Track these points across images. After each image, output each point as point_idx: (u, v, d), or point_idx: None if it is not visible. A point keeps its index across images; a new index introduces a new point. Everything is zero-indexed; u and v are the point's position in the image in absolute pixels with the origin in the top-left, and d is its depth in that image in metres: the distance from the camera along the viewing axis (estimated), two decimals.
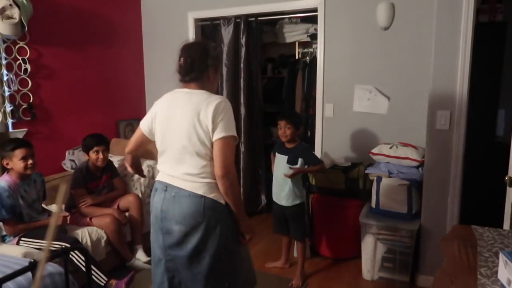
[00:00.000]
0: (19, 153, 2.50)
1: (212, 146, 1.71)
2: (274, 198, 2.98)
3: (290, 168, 2.81)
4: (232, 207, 1.76)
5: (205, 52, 1.81)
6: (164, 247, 1.82)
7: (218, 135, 1.68)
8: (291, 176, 2.79)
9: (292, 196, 2.86)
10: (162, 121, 1.83)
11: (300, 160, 2.83)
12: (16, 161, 2.50)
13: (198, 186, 1.72)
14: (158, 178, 1.87)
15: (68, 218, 2.71)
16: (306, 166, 2.86)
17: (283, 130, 2.81)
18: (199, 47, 1.85)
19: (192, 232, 1.73)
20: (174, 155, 1.78)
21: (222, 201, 1.75)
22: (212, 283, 1.78)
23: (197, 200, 1.72)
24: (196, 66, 1.78)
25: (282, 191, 2.87)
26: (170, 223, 1.77)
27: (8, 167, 2.54)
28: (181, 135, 1.73)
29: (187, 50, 1.82)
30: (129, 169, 2.10)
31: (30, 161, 2.53)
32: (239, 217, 1.81)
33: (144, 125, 1.93)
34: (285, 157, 2.85)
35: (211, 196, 1.73)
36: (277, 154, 2.94)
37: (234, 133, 1.72)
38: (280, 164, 2.88)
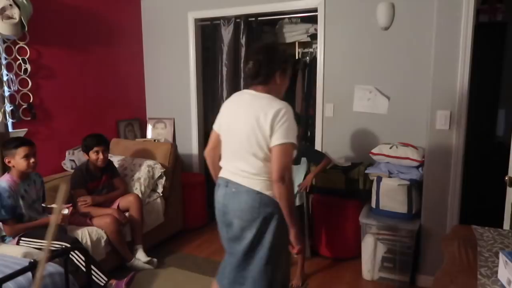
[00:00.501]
0: (22, 151, 2.51)
1: (269, 150, 1.77)
2: None
3: (300, 187, 2.83)
4: (283, 211, 1.79)
5: (273, 56, 1.86)
6: (228, 239, 1.93)
7: (276, 141, 1.74)
8: (306, 189, 2.84)
9: (301, 197, 2.88)
10: (226, 121, 1.93)
11: (303, 160, 2.84)
12: (19, 159, 2.50)
13: (255, 183, 1.80)
14: (220, 174, 1.95)
15: (70, 209, 2.69)
16: (305, 168, 2.85)
17: None
18: (268, 50, 1.88)
19: (249, 226, 1.81)
20: (235, 153, 1.86)
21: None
22: (259, 278, 1.84)
23: (254, 196, 1.79)
24: (264, 70, 1.83)
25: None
26: (230, 217, 1.86)
27: (10, 165, 2.54)
28: (241, 136, 1.81)
29: (255, 53, 1.88)
30: (212, 172, 2.09)
31: (32, 160, 2.53)
32: (288, 223, 1.83)
33: (215, 125, 2.02)
34: None
35: (267, 193, 1.80)
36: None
37: (293, 140, 1.76)
38: None
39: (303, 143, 2.93)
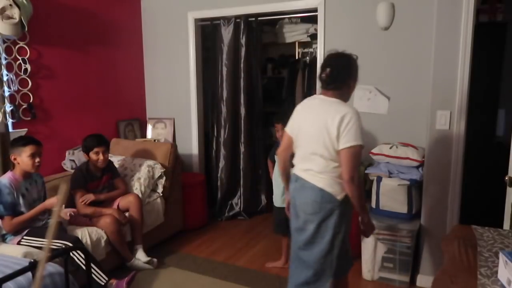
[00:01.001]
0: (28, 149, 2.52)
1: (335, 151, 1.91)
2: (275, 201, 2.98)
3: None
4: (355, 206, 1.97)
5: (349, 65, 2.01)
6: (294, 229, 2.10)
7: (344, 144, 1.87)
8: None
9: None
10: (298, 124, 2.08)
11: None
12: (24, 157, 2.52)
13: (319, 180, 1.95)
14: (293, 171, 2.13)
15: (73, 211, 2.71)
16: None
17: (280, 133, 2.82)
18: (344, 59, 2.02)
19: (311, 219, 1.98)
20: (304, 153, 2.04)
21: (339, 197, 1.94)
22: (317, 268, 2.00)
23: (317, 192, 1.95)
24: (340, 77, 1.98)
25: (283, 194, 2.86)
26: (298, 209, 2.05)
27: (15, 162, 2.56)
28: (310, 138, 1.98)
29: (333, 60, 2.02)
30: (281, 171, 2.26)
31: (37, 159, 2.55)
32: (360, 215, 2.05)
33: (288, 128, 2.16)
34: None
35: (329, 190, 1.93)
36: (276, 156, 2.92)
37: (360, 142, 1.88)
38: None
39: None
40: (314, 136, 1.95)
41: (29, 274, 1.84)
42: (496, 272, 1.43)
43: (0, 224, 2.54)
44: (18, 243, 2.50)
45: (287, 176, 2.22)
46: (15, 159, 2.55)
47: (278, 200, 2.93)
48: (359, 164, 1.95)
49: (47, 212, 2.76)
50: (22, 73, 3.17)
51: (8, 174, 2.56)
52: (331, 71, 1.97)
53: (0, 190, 2.46)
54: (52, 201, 2.53)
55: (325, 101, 2.00)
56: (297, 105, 2.17)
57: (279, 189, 2.89)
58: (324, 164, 1.94)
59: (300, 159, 2.07)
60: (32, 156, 2.53)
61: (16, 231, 2.52)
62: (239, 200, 4.22)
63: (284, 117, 2.85)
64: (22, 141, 2.57)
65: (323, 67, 2.02)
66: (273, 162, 3.04)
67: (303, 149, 2.04)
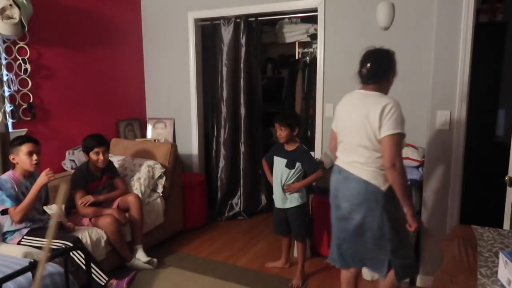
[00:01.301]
0: (25, 148, 2.53)
1: (378, 142, 1.98)
2: (275, 201, 2.97)
3: (286, 187, 2.84)
4: (397, 194, 2.00)
5: (389, 59, 2.11)
6: (336, 218, 2.19)
7: (386, 132, 1.94)
8: (291, 192, 2.83)
9: (292, 198, 2.86)
10: (341, 118, 2.18)
11: (298, 164, 2.82)
12: (22, 156, 2.53)
13: (363, 172, 2.03)
14: (335, 162, 2.23)
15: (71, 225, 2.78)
16: (300, 173, 2.85)
17: (279, 132, 2.82)
18: (383, 54, 2.11)
19: (356, 209, 2.06)
20: (348, 146, 2.12)
21: (383, 188, 2.00)
22: (374, 255, 2.10)
23: (361, 184, 2.03)
24: (381, 71, 2.08)
25: (283, 194, 2.87)
26: (340, 200, 2.14)
27: (14, 161, 2.57)
28: (353, 131, 2.06)
29: (372, 56, 2.11)
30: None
31: (35, 157, 2.54)
32: (403, 204, 2.04)
33: (333, 125, 2.28)
34: (284, 160, 2.84)
35: (373, 182, 2.01)
36: (276, 157, 2.91)
37: (401, 130, 1.96)
38: (279, 167, 2.87)
39: (302, 146, 2.89)
40: (357, 128, 2.03)
41: (29, 274, 1.84)
42: (496, 272, 1.43)
43: (0, 221, 2.55)
44: (18, 243, 2.50)
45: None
46: (13, 159, 2.56)
47: (278, 201, 2.92)
48: (401, 152, 1.98)
49: (47, 214, 2.76)
50: (22, 73, 3.17)
51: (8, 173, 2.58)
52: (371, 66, 2.06)
53: (2, 185, 2.48)
54: (42, 179, 2.50)
55: (365, 94, 2.09)
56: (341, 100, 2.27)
57: (279, 190, 2.89)
58: (367, 155, 2.02)
59: (344, 151, 2.15)
60: (30, 154, 2.53)
61: (20, 222, 2.50)
62: (239, 200, 4.22)
63: (282, 116, 2.87)
64: (19, 140, 2.58)
65: (363, 62, 2.11)
66: (269, 163, 3.02)
67: (347, 142, 2.12)
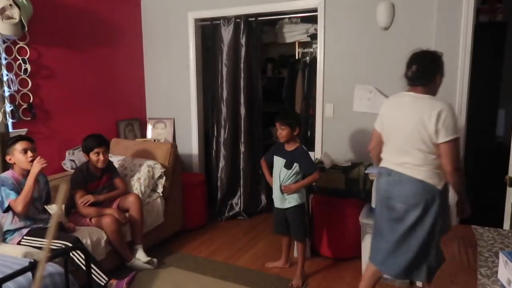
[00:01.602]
0: (19, 146, 2.54)
1: (433, 145, 2.02)
2: (274, 200, 2.97)
3: (284, 187, 2.83)
4: (456, 193, 2.14)
5: (435, 61, 2.12)
6: (389, 220, 2.17)
7: (444, 138, 1.99)
8: (288, 193, 2.83)
9: (291, 198, 2.86)
10: (389, 120, 2.19)
11: (295, 165, 2.81)
12: (17, 155, 2.53)
13: (418, 173, 2.06)
14: (382, 165, 2.25)
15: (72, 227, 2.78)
16: (299, 174, 2.85)
17: (279, 131, 2.82)
18: (429, 55, 2.13)
19: (412, 210, 2.07)
20: (399, 148, 2.13)
21: (439, 187, 2.05)
22: (421, 253, 2.10)
23: (417, 184, 2.05)
24: (428, 73, 2.09)
25: (281, 194, 2.87)
26: (394, 201, 2.13)
27: (11, 162, 2.57)
28: (406, 133, 2.08)
29: (419, 58, 2.12)
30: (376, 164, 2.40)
31: (30, 154, 2.54)
32: (461, 201, 2.19)
33: (376, 124, 2.30)
34: (283, 160, 2.84)
35: (429, 181, 2.04)
36: (275, 157, 2.91)
37: (458, 134, 2.02)
38: (279, 167, 2.86)
39: (302, 146, 2.88)
40: (410, 132, 2.05)
41: (29, 274, 1.84)
42: (496, 272, 1.43)
43: (0, 220, 2.55)
44: (18, 243, 2.50)
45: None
46: (10, 159, 2.57)
47: (277, 201, 2.92)
48: (459, 154, 2.07)
49: (48, 213, 2.76)
50: (22, 73, 3.17)
51: (7, 172, 2.60)
52: (417, 68, 2.08)
53: (4, 181, 2.49)
54: (35, 167, 2.49)
55: (416, 97, 2.09)
56: (384, 101, 2.32)
57: (277, 190, 2.89)
58: (423, 157, 2.04)
59: (394, 153, 2.17)
60: (24, 151, 2.54)
61: (22, 211, 2.48)
62: (239, 200, 4.22)
63: (283, 115, 2.87)
64: (12, 140, 2.60)
65: (409, 64, 2.12)
66: (269, 163, 3.00)
67: (398, 144, 2.13)
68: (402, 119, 2.10)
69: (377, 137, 2.30)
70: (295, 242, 3.04)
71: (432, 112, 1.98)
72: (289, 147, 2.85)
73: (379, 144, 2.29)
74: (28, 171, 2.58)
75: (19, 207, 2.45)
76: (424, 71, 2.08)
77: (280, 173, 2.84)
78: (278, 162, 2.88)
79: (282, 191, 2.85)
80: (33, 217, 2.60)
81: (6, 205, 2.47)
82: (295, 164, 2.81)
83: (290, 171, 2.82)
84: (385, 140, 2.22)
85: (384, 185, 2.20)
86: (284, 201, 2.88)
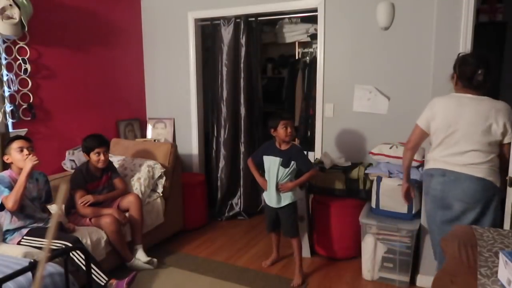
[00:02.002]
0: (15, 144, 2.55)
1: (496, 144, 2.11)
2: (267, 201, 2.97)
3: (281, 186, 2.84)
4: None
5: (495, 64, 2.19)
6: (444, 221, 2.21)
7: (510, 139, 2.09)
8: (284, 191, 2.84)
9: (286, 197, 2.87)
10: (446, 121, 2.19)
11: (292, 163, 2.82)
12: (14, 153, 2.54)
13: (478, 171, 2.11)
14: (432, 165, 2.28)
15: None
16: (293, 172, 2.86)
17: (289, 130, 2.80)
18: (492, 60, 2.19)
19: (471, 208, 2.12)
20: (458, 148, 2.16)
21: (498, 184, 2.11)
22: None
23: (476, 182, 2.11)
24: (489, 77, 2.15)
25: (277, 194, 2.87)
26: (451, 201, 2.17)
27: (8, 161, 2.58)
28: (468, 133, 2.12)
29: (484, 61, 2.15)
30: (407, 163, 2.45)
31: (26, 152, 2.55)
32: None
33: (422, 123, 2.30)
34: (279, 159, 2.82)
35: (489, 179, 2.10)
36: (267, 157, 2.89)
37: None
38: (275, 166, 2.85)
39: (296, 144, 2.91)
40: (471, 131, 2.11)
41: (29, 274, 1.84)
42: (496, 272, 1.43)
43: (1, 223, 2.55)
44: (18, 243, 2.50)
45: (409, 171, 2.47)
46: (7, 159, 2.58)
47: (272, 200, 2.90)
48: None
49: (47, 213, 2.76)
50: (22, 73, 3.17)
51: (5, 171, 2.60)
52: (483, 72, 2.12)
53: (0, 180, 2.49)
54: (27, 164, 2.47)
55: (477, 99, 2.15)
56: (432, 102, 2.29)
57: (273, 189, 2.87)
58: (483, 156, 2.10)
59: (450, 153, 2.18)
60: (21, 149, 2.54)
61: (13, 208, 2.46)
62: (239, 200, 4.22)
63: (289, 114, 2.92)
64: (8, 140, 2.62)
65: (475, 67, 2.13)
66: (257, 163, 3.00)
67: (457, 144, 2.16)
68: (464, 119, 2.13)
69: (421, 136, 2.33)
70: (292, 241, 2.96)
71: (498, 114, 2.08)
72: (284, 146, 2.85)
73: (420, 143, 2.35)
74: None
75: (9, 203, 2.44)
76: (487, 75, 2.14)
77: (278, 172, 2.83)
78: (273, 161, 2.86)
79: (278, 190, 2.85)
80: (33, 217, 2.60)
81: (0, 202, 2.47)
82: (292, 162, 2.81)
83: (287, 169, 2.82)
84: (436, 140, 2.25)
85: (440, 186, 2.22)
86: (280, 199, 2.87)
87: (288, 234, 2.96)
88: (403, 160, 2.48)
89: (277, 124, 2.82)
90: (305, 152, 3.41)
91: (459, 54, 2.29)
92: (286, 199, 2.87)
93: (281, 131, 2.81)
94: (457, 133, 2.16)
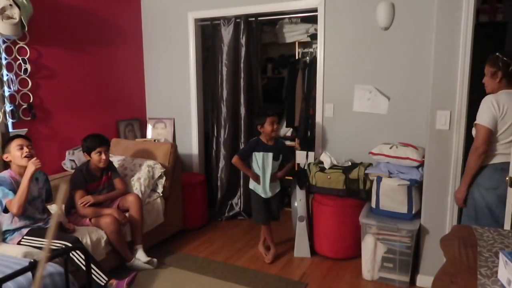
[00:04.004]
0: (14, 143, 2.56)
1: None
2: (262, 193, 3.15)
3: (279, 176, 3.19)
4: None
5: None
6: (499, 217, 2.20)
7: None
8: (281, 178, 3.21)
9: (278, 185, 3.23)
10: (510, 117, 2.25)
11: (281, 156, 3.14)
12: (13, 151, 2.55)
13: None
14: (500, 160, 2.29)
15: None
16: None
17: (275, 127, 3.05)
18: None
19: None
20: None
21: None
22: None
23: None
24: None
25: (272, 186, 3.15)
26: None
27: (8, 160, 2.58)
28: None
29: None
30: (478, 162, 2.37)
31: (26, 150, 2.55)
32: None
33: (490, 123, 2.29)
34: (271, 154, 3.08)
35: None
36: (258, 153, 3.08)
37: None
38: (267, 161, 3.08)
39: (280, 139, 3.27)
40: None
41: (29, 274, 1.84)
42: (496, 272, 1.43)
43: (1, 222, 2.55)
44: (18, 243, 2.50)
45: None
46: (7, 157, 2.59)
47: (268, 191, 3.14)
48: None
49: (47, 212, 2.76)
50: (22, 73, 3.17)
51: (5, 172, 2.60)
52: None
53: (1, 181, 2.49)
54: (30, 167, 2.47)
55: None
56: (491, 101, 2.28)
57: (268, 182, 3.11)
58: None
59: None
60: (20, 148, 2.55)
61: (18, 213, 2.47)
62: (239, 200, 4.22)
63: (273, 111, 3.12)
64: (8, 139, 2.64)
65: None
66: (244, 159, 3.16)
67: None
68: None
69: (490, 137, 2.31)
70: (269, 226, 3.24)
71: None
72: (271, 142, 3.11)
73: (489, 141, 2.32)
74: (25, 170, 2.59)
75: (14, 209, 2.45)
76: None
77: (272, 165, 3.09)
78: (266, 156, 3.08)
79: (272, 181, 3.14)
80: (33, 216, 2.60)
81: (4, 204, 2.47)
82: (281, 155, 3.15)
83: (278, 162, 3.14)
84: (505, 136, 2.27)
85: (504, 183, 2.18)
86: (275, 188, 3.19)
87: (277, 217, 3.28)
88: (473, 166, 2.35)
89: (264, 121, 3.03)
90: (305, 152, 3.56)
91: (495, 53, 2.33)
92: (278, 186, 3.22)
93: (268, 128, 3.03)
94: None
